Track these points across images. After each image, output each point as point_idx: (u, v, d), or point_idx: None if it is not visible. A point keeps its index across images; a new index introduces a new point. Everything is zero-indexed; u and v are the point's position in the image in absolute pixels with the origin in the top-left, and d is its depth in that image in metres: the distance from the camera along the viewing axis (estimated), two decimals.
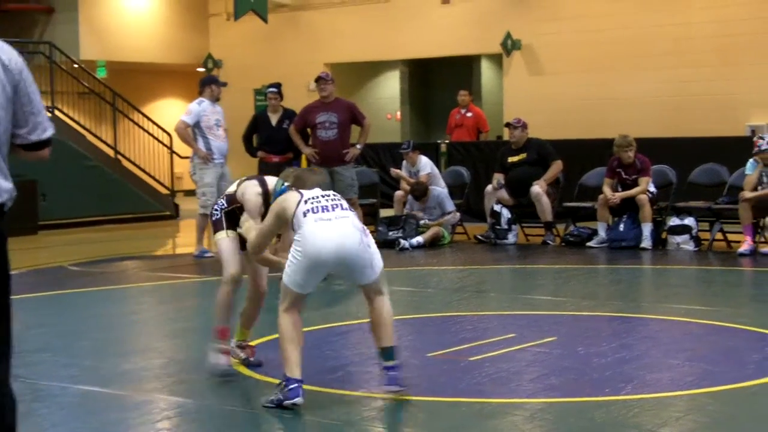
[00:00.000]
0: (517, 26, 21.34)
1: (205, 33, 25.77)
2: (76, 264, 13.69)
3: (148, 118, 23.26)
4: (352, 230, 6.43)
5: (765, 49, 18.82)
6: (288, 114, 14.54)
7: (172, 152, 22.84)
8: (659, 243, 14.17)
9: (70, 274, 12.87)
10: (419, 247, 14.68)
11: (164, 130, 23.00)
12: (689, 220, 14.04)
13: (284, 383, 6.29)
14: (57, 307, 10.54)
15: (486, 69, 25.20)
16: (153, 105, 26.94)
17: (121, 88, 23.28)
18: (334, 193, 6.66)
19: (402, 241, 14.72)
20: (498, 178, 15.40)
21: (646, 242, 13.92)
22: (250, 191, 7.12)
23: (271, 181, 7.13)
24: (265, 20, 23.10)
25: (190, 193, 24.51)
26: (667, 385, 6.78)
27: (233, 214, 7.24)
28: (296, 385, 6.26)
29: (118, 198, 20.27)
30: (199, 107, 14.02)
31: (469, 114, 19.40)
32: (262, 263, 7.16)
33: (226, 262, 7.25)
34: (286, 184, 6.87)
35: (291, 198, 6.56)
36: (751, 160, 13.61)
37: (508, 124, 15.55)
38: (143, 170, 22.27)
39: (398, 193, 15.94)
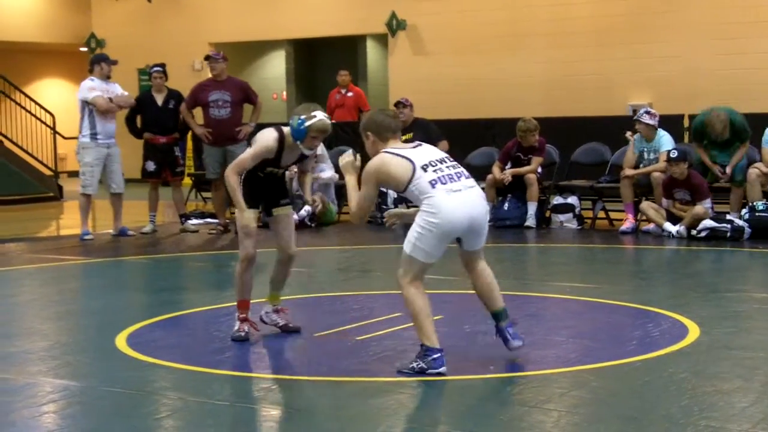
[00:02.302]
0: (402, 6, 21.40)
1: (88, 12, 25.39)
2: None
3: (31, 99, 22.88)
4: (482, 201, 6.73)
5: (643, 29, 19.13)
6: (173, 94, 14.44)
7: (56, 133, 22.49)
8: (543, 222, 14.37)
9: None
10: (308, 223, 14.68)
11: (47, 111, 22.63)
12: (572, 199, 14.25)
13: (425, 353, 6.47)
14: None
15: (371, 49, 25.22)
16: (36, 85, 26.51)
17: (2, 67, 22.84)
18: (448, 157, 6.77)
19: (303, 209, 14.71)
20: None
21: (531, 221, 14.09)
22: (267, 136, 7.43)
23: (286, 129, 7.44)
24: None
25: (74, 174, 24.23)
26: (550, 362, 6.87)
27: (254, 180, 7.49)
28: (439, 354, 6.46)
29: (0, 179, 19.89)
30: (92, 83, 13.81)
31: (349, 94, 19.38)
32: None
33: (243, 242, 7.61)
34: (303, 116, 7.21)
35: (397, 164, 6.63)
36: (636, 136, 13.85)
37: (398, 103, 15.57)
38: (26, 151, 21.91)
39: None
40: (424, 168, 6.57)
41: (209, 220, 15.07)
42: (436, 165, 6.62)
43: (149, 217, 14.40)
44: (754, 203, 12.77)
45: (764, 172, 13.11)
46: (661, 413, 5.69)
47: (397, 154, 6.66)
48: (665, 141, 13.69)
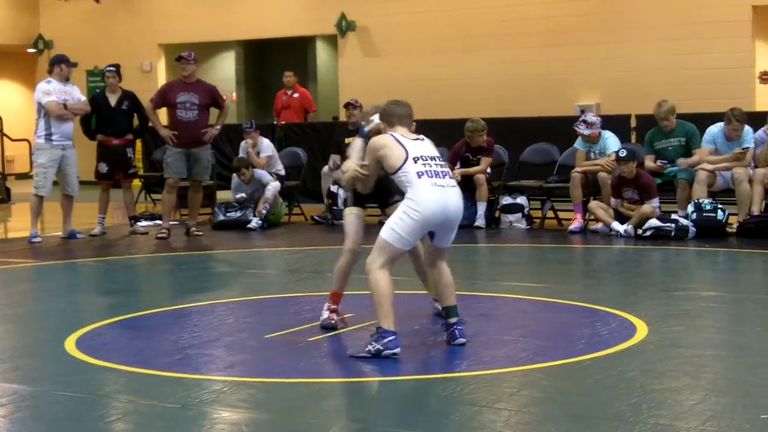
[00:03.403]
0: (351, 7, 21.41)
1: (36, 13, 25.22)
2: None
3: None
4: (459, 200, 7.22)
5: (592, 30, 19.27)
6: (127, 95, 14.34)
7: (3, 135, 22.31)
8: (492, 222, 14.42)
9: None
10: (262, 227, 14.74)
11: None
12: (521, 199, 14.32)
13: (380, 335, 6.88)
14: None
15: (321, 50, 25.25)
16: None
17: None
18: (439, 157, 7.31)
19: (253, 220, 14.73)
20: (334, 159, 15.46)
21: (480, 221, 14.14)
22: (357, 142, 7.87)
23: None
24: (97, 0, 22.71)
25: (22, 176, 24.05)
26: (501, 362, 6.91)
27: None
28: (394, 337, 6.87)
29: None
30: (47, 86, 13.69)
31: (295, 95, 19.38)
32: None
33: (348, 237, 7.85)
34: (362, 123, 7.88)
35: (394, 148, 7.16)
36: (579, 139, 13.98)
37: (348, 104, 15.60)
38: None
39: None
40: (415, 159, 7.10)
41: (159, 222, 15.00)
42: (427, 160, 7.14)
43: (98, 219, 14.31)
44: (701, 201, 12.87)
45: (710, 171, 13.23)
46: (610, 412, 5.73)
47: (398, 141, 7.20)
48: (611, 142, 13.81)
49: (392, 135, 7.28)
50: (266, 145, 15.91)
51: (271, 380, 6.56)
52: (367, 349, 6.86)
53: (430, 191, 7.01)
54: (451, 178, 7.23)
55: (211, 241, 13.79)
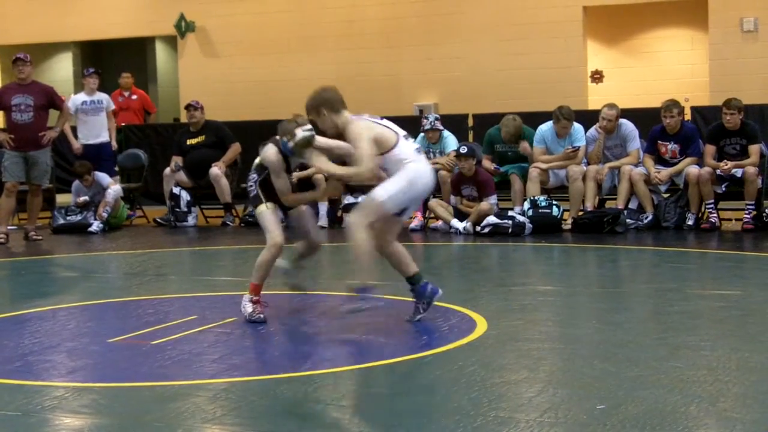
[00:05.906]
0: (190, 8, 21.29)
1: None
2: None
3: None
4: None
5: (430, 31, 19.51)
6: None
7: None
8: (335, 221, 14.51)
9: None
10: (103, 231, 14.64)
11: None
12: (362, 198, 14.43)
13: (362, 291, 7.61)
14: None
15: (161, 51, 25.03)
16: None
17: None
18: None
19: (94, 223, 14.60)
20: (176, 160, 15.40)
21: (323, 221, 14.23)
22: (270, 153, 8.03)
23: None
24: None
25: None
26: (345, 360, 6.99)
27: (267, 183, 8.06)
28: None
29: None
30: None
31: (133, 97, 19.21)
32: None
33: (271, 231, 7.98)
34: (285, 139, 7.82)
35: (382, 131, 7.60)
36: (420, 135, 14.17)
37: (188, 106, 15.56)
38: None
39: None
40: (406, 137, 7.68)
41: None
42: (409, 138, 7.77)
43: None
44: (536, 198, 13.19)
45: (543, 169, 13.58)
46: (452, 406, 5.84)
47: (378, 123, 7.69)
48: (450, 141, 14.04)
49: (363, 118, 7.66)
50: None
51: (114, 385, 6.51)
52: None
53: (426, 167, 7.71)
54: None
55: (51, 246, 13.60)
